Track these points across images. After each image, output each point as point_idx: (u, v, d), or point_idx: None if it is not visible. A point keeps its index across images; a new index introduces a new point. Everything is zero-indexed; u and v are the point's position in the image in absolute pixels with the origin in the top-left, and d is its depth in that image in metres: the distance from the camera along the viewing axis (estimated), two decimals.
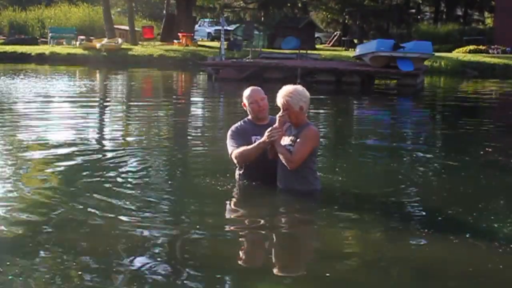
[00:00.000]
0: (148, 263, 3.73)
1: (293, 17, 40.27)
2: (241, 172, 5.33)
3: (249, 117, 5.35)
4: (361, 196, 5.35)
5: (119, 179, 5.75)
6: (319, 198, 5.11)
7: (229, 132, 5.29)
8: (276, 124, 4.90)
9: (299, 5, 43.55)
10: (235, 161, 5.20)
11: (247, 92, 5.30)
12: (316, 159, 5.15)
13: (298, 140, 4.88)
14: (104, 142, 8.30)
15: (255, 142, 5.05)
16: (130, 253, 3.89)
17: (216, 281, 3.56)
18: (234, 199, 5.20)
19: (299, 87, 4.99)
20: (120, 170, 6.26)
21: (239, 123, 5.36)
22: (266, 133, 4.86)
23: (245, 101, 5.30)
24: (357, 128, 10.50)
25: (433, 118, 12.79)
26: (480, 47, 28.95)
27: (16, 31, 34.90)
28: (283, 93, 4.94)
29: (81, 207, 4.84)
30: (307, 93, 4.97)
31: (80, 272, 3.59)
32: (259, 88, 5.34)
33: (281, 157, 4.89)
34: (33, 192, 5.19)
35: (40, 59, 26.33)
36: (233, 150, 5.14)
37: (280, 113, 4.93)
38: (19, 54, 26.91)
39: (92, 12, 37.88)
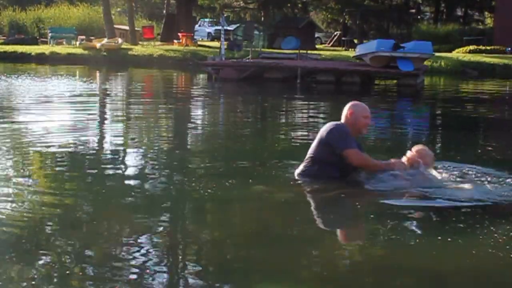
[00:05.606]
0: (148, 265, 3.73)
1: (293, 17, 40.28)
2: (317, 168, 5.42)
3: (346, 125, 5.47)
4: (362, 196, 5.34)
5: (118, 179, 5.76)
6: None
7: (342, 129, 5.42)
8: (405, 160, 5.46)
9: (299, 5, 43.55)
10: (353, 158, 5.33)
11: (362, 106, 5.55)
12: None
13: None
14: (103, 142, 8.30)
15: None
16: (129, 254, 3.89)
17: (216, 282, 3.56)
18: (233, 200, 5.19)
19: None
20: (120, 170, 6.26)
21: (343, 124, 5.49)
22: (395, 163, 5.41)
23: (357, 112, 5.46)
24: None
25: (433, 118, 12.79)
26: (481, 46, 28.99)
27: (16, 31, 34.90)
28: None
29: (80, 208, 4.84)
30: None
31: (79, 273, 3.59)
32: None
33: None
34: (32, 193, 5.19)
35: (40, 59, 26.34)
36: (355, 149, 5.33)
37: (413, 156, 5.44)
38: (19, 54, 26.93)
39: (92, 12, 37.90)
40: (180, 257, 3.96)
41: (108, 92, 16.25)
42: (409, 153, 5.52)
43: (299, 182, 5.53)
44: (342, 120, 5.55)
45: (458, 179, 5.60)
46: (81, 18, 37.05)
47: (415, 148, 5.54)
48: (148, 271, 3.62)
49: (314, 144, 5.54)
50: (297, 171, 5.60)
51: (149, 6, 51.21)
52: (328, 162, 5.40)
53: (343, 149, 5.33)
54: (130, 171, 6.19)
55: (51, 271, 3.60)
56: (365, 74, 19.01)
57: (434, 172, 5.50)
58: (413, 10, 42.79)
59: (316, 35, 39.37)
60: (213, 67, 19.45)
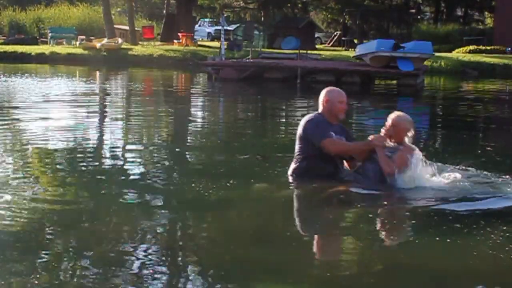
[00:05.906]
0: (148, 265, 3.73)
1: (293, 17, 40.28)
2: (305, 164, 5.41)
3: (323, 114, 5.49)
4: (361, 196, 5.35)
5: (119, 179, 5.76)
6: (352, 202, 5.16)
7: (315, 120, 5.43)
8: (383, 133, 5.39)
9: (299, 5, 43.55)
10: (330, 147, 5.31)
11: (337, 91, 5.62)
12: None
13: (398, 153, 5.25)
14: (103, 142, 8.30)
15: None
16: (129, 254, 3.89)
17: (216, 282, 3.56)
18: (233, 200, 5.19)
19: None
20: (120, 169, 6.26)
21: (318, 115, 5.51)
22: (373, 139, 5.33)
23: (332, 98, 5.51)
24: (356, 128, 10.49)
25: (433, 118, 12.79)
26: (481, 46, 29.00)
27: (16, 31, 34.90)
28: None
29: (80, 208, 4.85)
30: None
31: (79, 274, 3.59)
32: None
33: (381, 161, 5.25)
34: (32, 193, 5.19)
35: (40, 59, 26.33)
36: (330, 138, 5.30)
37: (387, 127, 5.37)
38: (19, 54, 26.93)
39: (91, 12, 37.91)
40: (180, 257, 3.96)
41: (108, 92, 16.25)
42: (386, 123, 5.45)
43: (298, 181, 5.53)
44: (319, 108, 5.58)
45: (457, 179, 5.60)
46: (81, 18, 37.05)
47: (390, 118, 5.45)
48: (148, 271, 3.62)
49: (296, 140, 5.57)
50: (289, 170, 5.59)
51: (149, 6, 51.22)
52: (315, 156, 5.41)
53: (318, 142, 5.35)
54: (130, 171, 6.19)
55: (51, 271, 3.60)
56: (365, 74, 19.01)
57: (410, 143, 5.43)
58: (413, 10, 42.79)
59: (316, 35, 39.37)
60: (213, 67, 19.45)
